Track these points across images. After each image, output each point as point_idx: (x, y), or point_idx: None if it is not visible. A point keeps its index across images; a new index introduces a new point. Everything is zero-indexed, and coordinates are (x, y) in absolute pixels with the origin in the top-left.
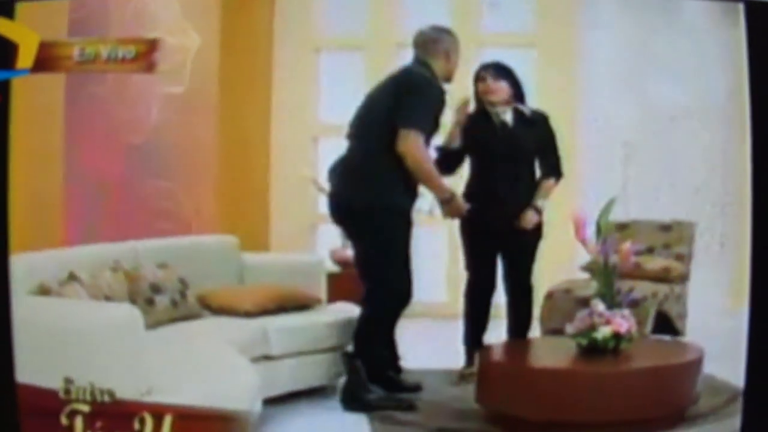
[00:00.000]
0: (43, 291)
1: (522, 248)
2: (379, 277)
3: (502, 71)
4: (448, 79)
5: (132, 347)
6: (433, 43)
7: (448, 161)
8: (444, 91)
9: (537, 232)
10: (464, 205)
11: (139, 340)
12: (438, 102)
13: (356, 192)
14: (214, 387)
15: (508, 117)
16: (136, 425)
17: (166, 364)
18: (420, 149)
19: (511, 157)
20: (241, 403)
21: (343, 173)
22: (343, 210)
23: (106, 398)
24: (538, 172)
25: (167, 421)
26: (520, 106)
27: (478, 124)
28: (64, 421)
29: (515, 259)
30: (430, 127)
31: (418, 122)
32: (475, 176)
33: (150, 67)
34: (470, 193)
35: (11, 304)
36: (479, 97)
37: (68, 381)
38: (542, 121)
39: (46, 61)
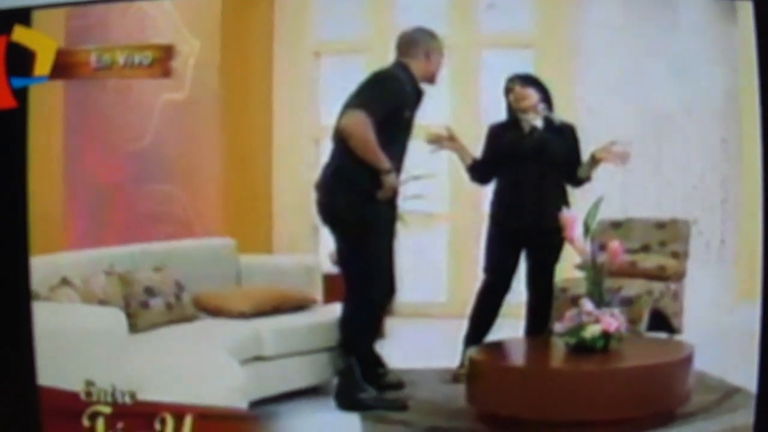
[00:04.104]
0: (32, 296)
1: (548, 248)
2: (360, 277)
3: (527, 79)
4: (430, 80)
5: (116, 350)
6: (413, 44)
7: (480, 173)
8: (416, 91)
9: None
10: (397, 182)
11: (123, 343)
12: (397, 95)
13: (335, 196)
14: (198, 387)
15: (538, 123)
16: (157, 425)
17: (152, 366)
18: (360, 124)
19: (539, 161)
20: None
21: (324, 178)
22: (326, 214)
23: (127, 399)
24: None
25: (188, 421)
26: (550, 115)
27: (509, 132)
28: (85, 422)
29: (541, 259)
30: (380, 115)
31: (365, 104)
32: (504, 180)
33: (166, 73)
34: (498, 196)
35: (32, 308)
36: (511, 108)
37: (89, 383)
38: (569, 131)
39: (63, 68)
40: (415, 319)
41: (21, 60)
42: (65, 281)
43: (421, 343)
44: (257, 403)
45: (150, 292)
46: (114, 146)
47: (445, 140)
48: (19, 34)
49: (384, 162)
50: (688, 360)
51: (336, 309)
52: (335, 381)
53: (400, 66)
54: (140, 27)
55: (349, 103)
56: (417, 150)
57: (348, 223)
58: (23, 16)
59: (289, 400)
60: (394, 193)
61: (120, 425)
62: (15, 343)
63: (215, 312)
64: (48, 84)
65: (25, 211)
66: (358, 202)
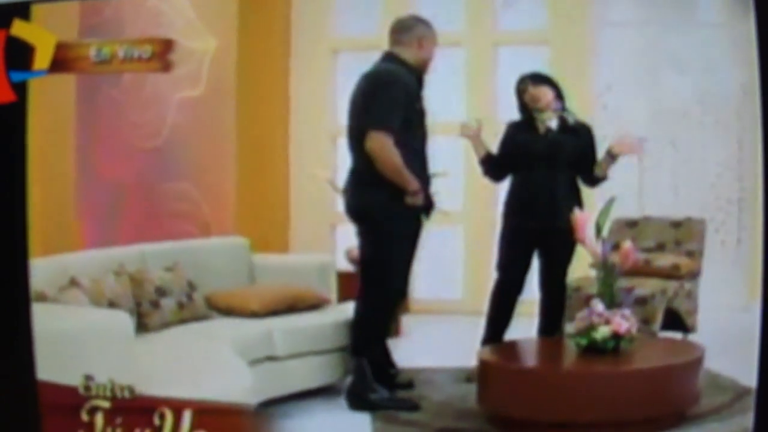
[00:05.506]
0: (39, 298)
1: (560, 248)
2: (379, 277)
3: (538, 78)
4: (422, 68)
5: (121, 353)
6: (407, 30)
7: (493, 169)
8: (417, 79)
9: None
10: (420, 200)
11: (129, 346)
12: (404, 93)
13: (358, 197)
14: (208, 386)
15: (553, 124)
16: (156, 420)
17: (162, 365)
18: (384, 149)
19: (553, 161)
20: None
21: (350, 177)
22: (351, 212)
23: (126, 394)
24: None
25: (187, 415)
26: (565, 115)
27: (523, 131)
28: (84, 417)
29: (553, 258)
30: (398, 123)
31: (382, 122)
32: (518, 179)
33: (166, 67)
34: (512, 195)
35: (31, 307)
36: (525, 107)
37: (88, 378)
38: (585, 131)
39: (62, 61)
40: (431, 315)
41: (20, 54)
42: (74, 282)
43: (437, 340)
44: (268, 403)
45: (161, 291)
46: (128, 143)
47: (467, 129)
48: (18, 28)
49: (411, 183)
50: (698, 362)
51: (349, 308)
52: (347, 381)
53: (391, 58)
54: (155, 24)
55: (365, 120)
56: (432, 148)
57: (378, 223)
58: (22, 10)
59: (300, 400)
60: (429, 201)
61: (119, 420)
62: (14, 338)
63: (227, 311)
64: (59, 80)
65: (24, 206)
66: (389, 203)
